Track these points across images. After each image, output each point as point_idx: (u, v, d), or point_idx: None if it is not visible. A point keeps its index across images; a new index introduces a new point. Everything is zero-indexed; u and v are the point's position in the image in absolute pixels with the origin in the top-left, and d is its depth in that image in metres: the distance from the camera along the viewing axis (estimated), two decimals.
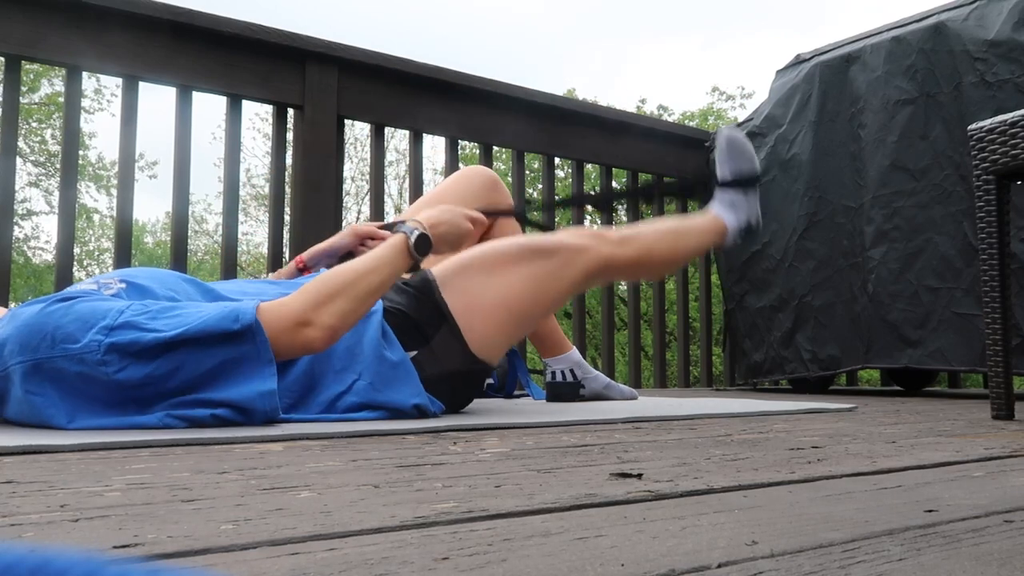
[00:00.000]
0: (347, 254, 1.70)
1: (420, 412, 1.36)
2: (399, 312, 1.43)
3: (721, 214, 1.74)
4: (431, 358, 1.42)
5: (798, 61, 2.96)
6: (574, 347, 2.06)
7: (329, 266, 1.59)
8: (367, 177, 11.18)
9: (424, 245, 1.38)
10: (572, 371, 2.02)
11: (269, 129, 4.15)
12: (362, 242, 1.70)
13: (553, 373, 2.03)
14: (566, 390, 2.00)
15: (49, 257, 17.00)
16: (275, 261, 2.50)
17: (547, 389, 2.02)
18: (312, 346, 1.22)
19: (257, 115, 16.22)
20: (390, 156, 14.82)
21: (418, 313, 1.44)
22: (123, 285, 1.22)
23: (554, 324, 2.02)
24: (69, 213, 2.23)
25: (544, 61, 33.58)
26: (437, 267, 1.50)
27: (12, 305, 1.36)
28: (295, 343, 1.21)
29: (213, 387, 1.15)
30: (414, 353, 1.40)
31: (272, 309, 1.19)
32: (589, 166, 3.39)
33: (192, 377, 1.14)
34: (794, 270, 2.90)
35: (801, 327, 2.89)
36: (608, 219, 3.37)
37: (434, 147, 18.94)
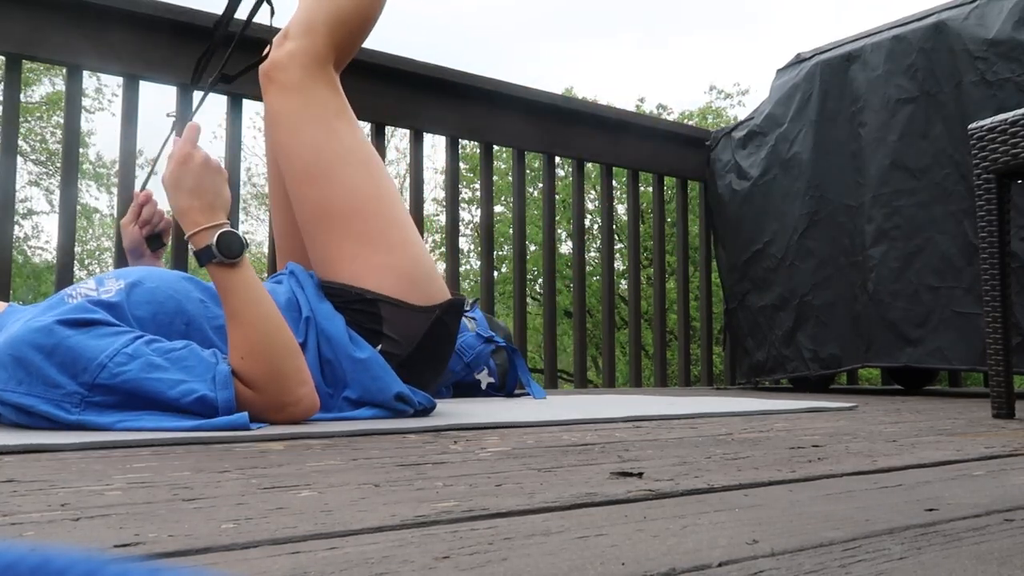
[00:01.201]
0: (154, 238, 1.62)
1: (404, 401, 1.32)
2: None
3: None
4: (393, 340, 1.35)
5: (798, 60, 2.96)
6: None
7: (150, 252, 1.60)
8: None
9: (227, 241, 1.20)
10: None
11: None
12: (142, 226, 1.60)
13: None
14: None
15: (49, 256, 16.99)
16: (276, 261, 2.49)
17: None
18: (306, 414, 1.22)
19: (258, 114, 16.27)
20: (390, 155, 14.81)
21: (354, 318, 1.36)
22: (121, 284, 1.21)
23: None
24: (70, 212, 2.23)
25: (543, 59, 33.58)
26: (316, 270, 1.43)
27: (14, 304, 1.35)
28: (293, 419, 1.21)
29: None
30: (379, 347, 1.34)
31: (251, 407, 1.16)
32: (589, 165, 3.40)
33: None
34: (795, 269, 2.90)
35: (802, 326, 2.89)
36: (609, 225, 3.37)
37: (434, 146, 18.95)
